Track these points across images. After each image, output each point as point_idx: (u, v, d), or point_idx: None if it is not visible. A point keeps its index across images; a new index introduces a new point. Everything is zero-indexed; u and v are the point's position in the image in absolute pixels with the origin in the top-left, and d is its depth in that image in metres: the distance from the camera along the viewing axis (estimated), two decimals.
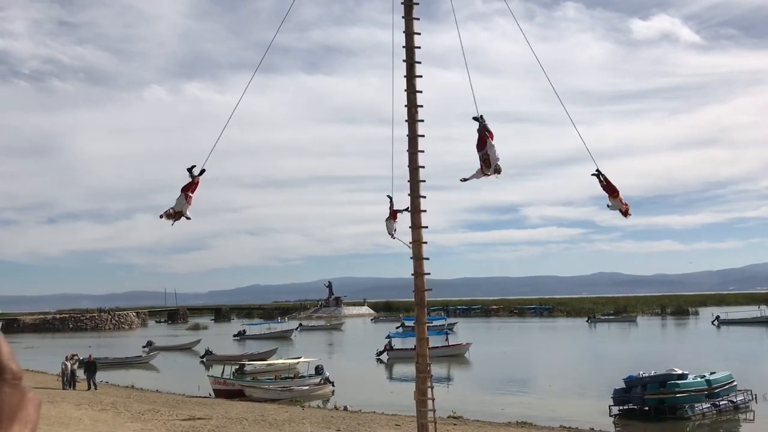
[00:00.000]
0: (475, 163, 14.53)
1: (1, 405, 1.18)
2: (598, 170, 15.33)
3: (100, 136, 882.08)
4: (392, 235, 17.20)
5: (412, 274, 14.74)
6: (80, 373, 38.56)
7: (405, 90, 14.78)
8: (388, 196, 17.34)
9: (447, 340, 57.88)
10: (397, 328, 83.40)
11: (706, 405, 29.66)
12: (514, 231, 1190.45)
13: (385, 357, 55.79)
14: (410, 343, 50.58)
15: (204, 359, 56.51)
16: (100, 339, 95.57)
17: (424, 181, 14.76)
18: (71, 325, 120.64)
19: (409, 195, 14.87)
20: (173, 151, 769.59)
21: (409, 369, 43.17)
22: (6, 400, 1.19)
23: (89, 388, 36.75)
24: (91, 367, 37.89)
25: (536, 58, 15.50)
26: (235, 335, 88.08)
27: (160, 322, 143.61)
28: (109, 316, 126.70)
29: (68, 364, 37.70)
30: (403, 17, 14.78)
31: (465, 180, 14.59)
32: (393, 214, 17.22)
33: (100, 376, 40.53)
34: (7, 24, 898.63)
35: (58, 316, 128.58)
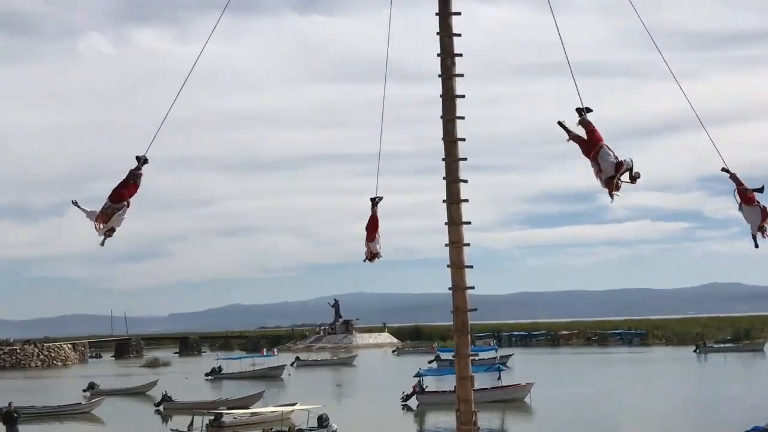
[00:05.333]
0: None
1: None
2: (725, 169, 15.02)
3: (20, 102, 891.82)
4: (377, 255, 16.48)
5: (450, 289, 14.73)
6: None
7: (438, 33, 14.72)
8: (372, 199, 16.63)
9: (500, 378, 57.96)
10: (430, 362, 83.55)
11: None
12: (590, 227, 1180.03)
13: (413, 402, 55.95)
14: (448, 383, 50.57)
15: (160, 407, 57.00)
16: (26, 380, 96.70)
17: (465, 159, 14.70)
18: None
19: (444, 179, 14.83)
20: (118, 122, 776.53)
21: (447, 419, 43.15)
22: None
23: None
24: (9, 419, 38.30)
25: None
26: (207, 374, 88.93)
27: (94, 357, 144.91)
28: (36, 350, 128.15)
29: None
30: None
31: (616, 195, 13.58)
32: (374, 225, 16.42)
33: (24, 430, 40.95)
34: None
35: None
